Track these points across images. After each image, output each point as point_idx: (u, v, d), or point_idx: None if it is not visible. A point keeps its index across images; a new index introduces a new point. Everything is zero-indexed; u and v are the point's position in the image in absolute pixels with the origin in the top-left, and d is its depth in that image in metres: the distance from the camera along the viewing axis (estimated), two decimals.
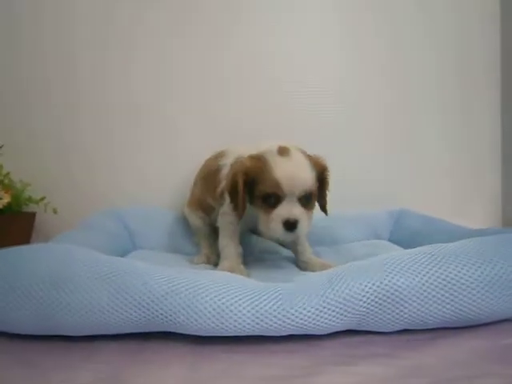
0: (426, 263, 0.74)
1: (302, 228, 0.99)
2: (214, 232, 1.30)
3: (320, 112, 1.58)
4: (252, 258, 1.27)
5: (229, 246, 1.13)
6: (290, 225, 0.98)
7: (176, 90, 1.55)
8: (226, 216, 1.14)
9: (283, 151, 1.02)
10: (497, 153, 1.68)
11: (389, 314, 0.72)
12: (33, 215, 1.41)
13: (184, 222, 1.40)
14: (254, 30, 1.57)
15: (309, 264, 1.15)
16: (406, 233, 1.38)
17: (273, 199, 1.00)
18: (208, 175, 1.28)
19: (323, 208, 1.13)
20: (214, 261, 1.23)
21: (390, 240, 1.44)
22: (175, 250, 1.37)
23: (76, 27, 1.52)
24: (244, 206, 1.03)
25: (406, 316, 0.72)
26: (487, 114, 1.68)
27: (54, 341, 0.72)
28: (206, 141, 1.48)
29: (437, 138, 1.66)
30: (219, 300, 0.69)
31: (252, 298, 0.70)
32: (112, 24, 1.52)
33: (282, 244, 1.39)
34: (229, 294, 0.69)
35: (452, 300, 0.71)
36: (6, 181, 1.33)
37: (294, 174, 0.98)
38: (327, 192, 1.11)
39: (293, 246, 1.21)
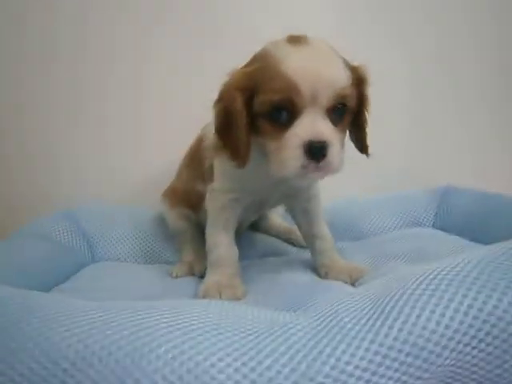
0: None
1: (334, 157, 0.63)
2: (200, 233, 0.96)
3: None
4: (251, 262, 0.95)
5: (219, 246, 0.79)
6: (316, 150, 0.62)
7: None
8: (216, 196, 0.80)
9: (296, 39, 0.66)
10: None
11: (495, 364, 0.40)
12: None
13: (160, 221, 1.06)
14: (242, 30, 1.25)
15: (333, 269, 0.81)
16: (456, 216, 1.04)
17: (285, 113, 0.64)
18: (192, 154, 0.96)
19: (362, 144, 0.76)
20: (200, 270, 0.90)
21: (434, 226, 1.10)
22: (150, 259, 1.03)
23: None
24: (248, 140, 0.67)
25: None
26: None
27: None
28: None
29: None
30: (190, 356, 0.40)
31: (245, 359, 0.40)
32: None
33: (294, 242, 1.07)
34: (207, 348, 0.40)
35: None
36: None
37: (317, 66, 0.62)
38: (367, 117, 0.74)
39: (310, 240, 0.87)
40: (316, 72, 0.61)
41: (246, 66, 0.69)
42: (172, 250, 1.04)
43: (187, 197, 0.96)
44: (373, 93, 0.73)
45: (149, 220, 1.09)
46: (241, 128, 0.66)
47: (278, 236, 1.11)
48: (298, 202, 0.85)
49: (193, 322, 0.44)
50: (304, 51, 0.63)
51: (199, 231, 0.98)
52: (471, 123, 1.35)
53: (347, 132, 0.72)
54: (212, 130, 0.74)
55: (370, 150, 0.76)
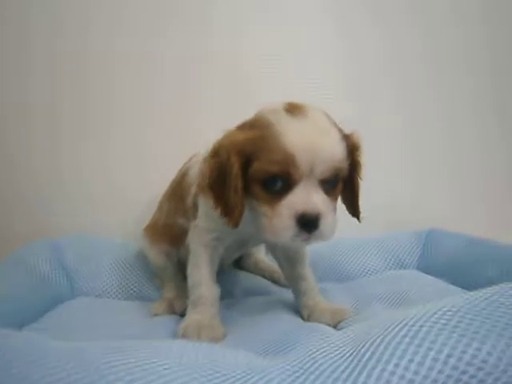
0: None
1: (326, 227, 0.64)
2: (182, 270, 0.94)
3: None
4: (233, 301, 0.94)
5: (200, 285, 0.78)
6: (309, 222, 0.63)
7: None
8: (199, 233, 0.79)
9: (295, 109, 0.67)
10: None
11: None
12: None
13: (142, 256, 1.04)
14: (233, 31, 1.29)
15: (315, 311, 0.81)
16: (441, 258, 1.04)
17: (280, 183, 0.65)
18: (174, 188, 0.95)
19: (353, 208, 0.77)
20: (181, 308, 0.88)
21: (418, 268, 1.10)
22: (130, 295, 1.01)
23: None
24: (242, 201, 0.67)
25: None
26: None
27: None
28: (175, 151, 1.14)
29: (469, 145, 1.38)
30: None
31: None
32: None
33: (277, 281, 1.05)
34: None
35: None
36: None
37: (315, 140, 0.63)
38: (359, 183, 0.75)
39: (293, 281, 0.86)
40: (314, 147, 0.63)
41: (241, 128, 0.70)
42: (153, 287, 1.01)
43: (168, 231, 0.96)
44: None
45: (131, 255, 1.07)
46: (237, 192, 0.66)
47: (261, 274, 1.09)
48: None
49: (167, 366, 0.42)
50: (303, 124, 0.65)
51: (180, 268, 0.96)
52: (457, 169, 1.37)
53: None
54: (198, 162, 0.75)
55: (362, 215, 0.77)
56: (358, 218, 0.77)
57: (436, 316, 0.44)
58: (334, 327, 0.76)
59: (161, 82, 1.27)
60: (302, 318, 0.82)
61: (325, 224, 0.64)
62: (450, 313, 0.44)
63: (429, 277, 1.00)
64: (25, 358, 0.42)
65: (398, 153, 1.34)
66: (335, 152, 0.65)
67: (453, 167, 1.36)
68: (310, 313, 0.81)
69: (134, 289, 1.01)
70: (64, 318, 0.85)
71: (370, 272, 1.07)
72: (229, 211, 0.68)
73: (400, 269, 1.09)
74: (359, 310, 0.82)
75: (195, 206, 0.81)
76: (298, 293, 0.85)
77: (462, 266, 0.96)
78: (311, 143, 0.63)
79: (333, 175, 0.66)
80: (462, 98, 1.36)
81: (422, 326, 0.43)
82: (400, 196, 1.31)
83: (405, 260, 1.11)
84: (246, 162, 0.66)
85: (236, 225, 0.68)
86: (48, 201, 1.25)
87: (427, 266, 1.07)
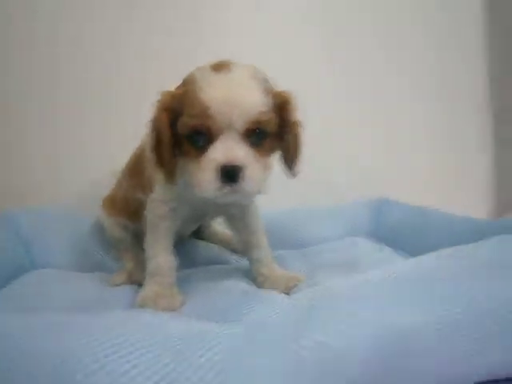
0: (438, 286, 0.51)
1: (250, 180, 0.66)
2: (139, 242, 0.95)
3: None
4: (191, 271, 0.96)
5: (157, 256, 0.80)
6: (229, 173, 0.65)
7: None
8: (156, 205, 0.81)
9: (219, 66, 0.69)
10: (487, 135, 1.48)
11: (392, 370, 0.45)
12: None
13: (101, 227, 1.04)
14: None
15: (269, 278, 0.85)
16: (390, 227, 1.12)
17: (203, 137, 0.67)
18: (134, 163, 0.96)
19: (288, 164, 0.77)
20: (139, 278, 0.90)
21: (370, 236, 1.17)
22: (91, 266, 1.02)
23: None
24: (171, 159, 0.70)
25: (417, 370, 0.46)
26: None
27: None
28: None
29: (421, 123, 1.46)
30: (115, 369, 0.40)
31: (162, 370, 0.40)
32: None
33: (235, 250, 1.08)
34: (132, 359, 0.41)
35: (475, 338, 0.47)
36: None
37: (232, 93, 0.66)
38: (297, 140, 0.75)
39: (248, 250, 0.89)
40: (230, 100, 0.65)
41: (176, 88, 0.72)
42: (110, 259, 1.03)
43: (126, 205, 0.96)
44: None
45: (91, 225, 1.08)
46: (166, 146, 0.69)
47: (219, 244, 1.13)
48: (235, 213, 0.88)
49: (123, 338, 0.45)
50: (223, 79, 0.67)
51: (138, 241, 0.97)
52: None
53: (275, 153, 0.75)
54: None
55: (297, 171, 0.78)
56: (293, 173, 0.78)
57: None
58: (287, 293, 0.80)
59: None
60: (257, 285, 0.85)
61: (248, 176, 0.65)
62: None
63: (377, 245, 1.07)
64: None
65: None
66: (254, 104, 0.66)
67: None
68: (264, 280, 0.85)
69: (94, 260, 1.03)
70: (25, 288, 0.86)
71: (324, 239, 1.12)
72: (162, 166, 0.71)
73: (353, 236, 1.14)
74: (312, 276, 0.86)
75: (151, 180, 0.82)
76: (252, 261, 0.88)
77: (407, 234, 1.03)
78: (228, 96, 0.65)
79: (255, 128, 0.68)
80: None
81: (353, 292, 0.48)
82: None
83: (357, 228, 1.17)
84: (175, 118, 0.68)
85: (171, 180, 0.72)
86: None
87: (378, 233, 1.15)
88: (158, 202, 0.81)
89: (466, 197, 1.43)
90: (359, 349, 0.43)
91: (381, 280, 0.53)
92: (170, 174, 0.71)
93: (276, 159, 0.76)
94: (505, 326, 0.47)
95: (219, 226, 1.14)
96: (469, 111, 1.48)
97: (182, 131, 0.68)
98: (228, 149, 0.65)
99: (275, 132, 0.72)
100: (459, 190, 1.44)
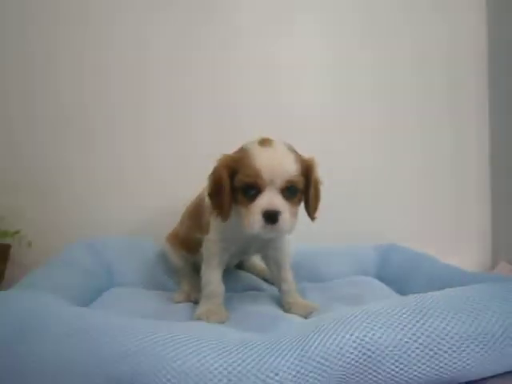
0: (410, 317, 0.71)
1: (285, 221, 0.92)
2: (195, 269, 1.25)
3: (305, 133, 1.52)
4: (234, 294, 1.23)
5: (211, 283, 1.08)
6: (270, 216, 0.91)
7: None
8: (211, 244, 1.09)
9: (265, 142, 0.97)
10: (485, 189, 1.68)
11: (370, 373, 0.68)
12: (7, 248, 1.37)
13: (165, 256, 1.35)
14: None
15: (293, 305, 1.10)
16: (393, 270, 1.35)
17: (253, 190, 0.93)
18: (194, 209, 1.24)
19: (309, 212, 1.03)
20: (195, 297, 1.18)
21: (377, 277, 1.40)
22: (156, 286, 1.32)
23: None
24: (230, 202, 0.96)
25: (387, 376, 0.68)
26: (475, 152, 1.68)
27: None
28: (190, 170, 1.43)
29: (426, 173, 1.67)
30: (192, 360, 0.65)
31: (226, 357, 0.66)
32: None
33: (268, 280, 1.35)
34: (201, 353, 0.66)
35: (434, 358, 0.69)
36: None
37: (274, 161, 0.93)
38: (316, 194, 1.03)
39: (278, 282, 1.16)
40: (273, 166, 0.93)
41: (233, 153, 1.00)
42: (173, 281, 1.32)
43: (187, 241, 1.25)
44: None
45: (156, 253, 1.38)
46: (226, 192, 0.96)
47: (256, 274, 1.40)
48: (269, 253, 1.15)
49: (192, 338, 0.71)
50: (267, 151, 0.95)
51: (194, 268, 1.27)
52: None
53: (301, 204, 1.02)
54: None
55: (317, 217, 1.05)
56: (312, 220, 1.05)
57: (356, 316, 0.72)
58: (305, 318, 1.05)
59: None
60: (284, 310, 1.10)
61: (283, 219, 0.92)
62: (364, 314, 0.73)
63: (381, 284, 1.30)
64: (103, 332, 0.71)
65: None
66: (289, 169, 0.94)
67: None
68: (289, 307, 1.10)
69: (159, 281, 1.33)
70: (107, 303, 1.13)
71: (339, 275, 1.38)
72: (220, 208, 0.98)
73: (362, 275, 1.39)
74: (325, 306, 1.10)
75: (208, 224, 1.10)
76: (281, 291, 1.15)
77: (403, 277, 1.26)
78: (272, 164, 0.93)
79: (289, 186, 0.95)
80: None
81: (347, 320, 0.72)
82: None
83: (367, 268, 1.42)
84: (232, 174, 0.96)
85: (226, 218, 0.97)
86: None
87: (382, 274, 1.38)
88: (212, 242, 1.09)
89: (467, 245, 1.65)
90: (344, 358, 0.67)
91: (375, 310, 0.74)
92: (226, 215, 0.97)
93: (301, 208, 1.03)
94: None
95: (257, 260, 1.41)
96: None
97: (238, 184, 0.95)
98: (270, 199, 0.92)
99: (302, 188, 0.99)
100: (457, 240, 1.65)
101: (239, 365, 0.65)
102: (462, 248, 1.60)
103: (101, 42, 1.53)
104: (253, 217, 0.92)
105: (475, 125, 1.67)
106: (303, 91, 1.60)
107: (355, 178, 1.61)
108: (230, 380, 0.63)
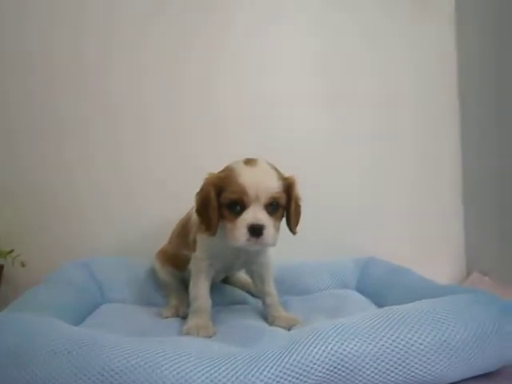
0: (381, 329, 0.77)
1: (268, 235, 0.98)
2: (183, 285, 1.31)
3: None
4: (221, 308, 1.28)
5: (199, 298, 1.13)
6: (255, 230, 0.97)
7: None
8: (198, 261, 1.15)
9: (249, 161, 1.04)
10: (457, 203, 1.76)
11: (346, 380, 0.74)
12: (0, 268, 1.40)
13: (153, 272, 1.41)
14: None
15: (276, 318, 1.16)
16: (371, 282, 1.41)
17: (238, 206, 1.00)
18: (182, 227, 1.30)
19: (291, 227, 1.10)
20: (184, 312, 1.23)
21: (357, 289, 1.47)
22: (145, 301, 1.37)
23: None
24: (217, 218, 1.02)
25: (363, 382, 0.74)
26: (447, 163, 1.76)
27: None
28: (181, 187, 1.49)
29: (402, 187, 1.75)
30: (177, 373, 0.70)
31: (210, 368, 0.72)
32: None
33: (252, 294, 1.41)
34: (188, 366, 0.71)
35: (404, 367, 0.75)
36: None
37: (259, 180, 0.99)
38: (296, 210, 1.10)
39: (262, 296, 1.21)
40: (258, 183, 0.99)
41: (219, 172, 1.07)
42: (162, 296, 1.38)
43: (175, 258, 1.31)
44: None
45: (145, 271, 1.43)
46: (213, 209, 1.02)
47: (241, 288, 1.46)
48: (254, 268, 1.21)
49: (182, 350, 0.77)
50: (252, 170, 1.02)
51: (182, 283, 1.33)
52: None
53: (283, 219, 1.09)
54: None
55: (297, 231, 1.12)
56: (293, 233, 1.12)
57: (337, 327, 0.79)
58: (288, 330, 1.10)
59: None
60: (267, 323, 1.16)
61: (267, 233, 0.98)
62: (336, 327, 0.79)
63: (361, 296, 1.37)
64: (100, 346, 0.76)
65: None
66: (272, 187, 1.01)
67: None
68: (273, 320, 1.16)
69: (148, 297, 1.38)
70: (99, 319, 1.18)
71: (320, 289, 1.44)
72: (208, 224, 1.04)
73: (343, 288, 1.46)
74: (307, 318, 1.15)
75: (194, 242, 1.16)
76: (265, 305, 1.20)
77: (381, 289, 1.32)
78: (256, 181, 0.99)
79: (272, 202, 1.02)
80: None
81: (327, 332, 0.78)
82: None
83: (347, 281, 1.48)
84: (219, 192, 1.02)
85: (214, 233, 1.03)
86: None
87: (362, 287, 1.45)
88: (199, 260, 1.15)
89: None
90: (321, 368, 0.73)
91: (350, 323, 0.79)
92: (214, 229, 1.03)
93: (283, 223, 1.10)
94: None
95: (242, 274, 1.46)
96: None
97: (224, 201, 1.01)
98: (255, 214, 0.99)
99: (284, 204, 1.06)
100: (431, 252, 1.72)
101: (221, 375, 0.71)
102: (435, 259, 1.67)
103: (102, 44, 1.59)
104: (239, 231, 0.98)
105: (447, 137, 1.75)
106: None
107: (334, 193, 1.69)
108: None
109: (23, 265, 1.39)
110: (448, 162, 1.74)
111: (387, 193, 1.72)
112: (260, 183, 0.99)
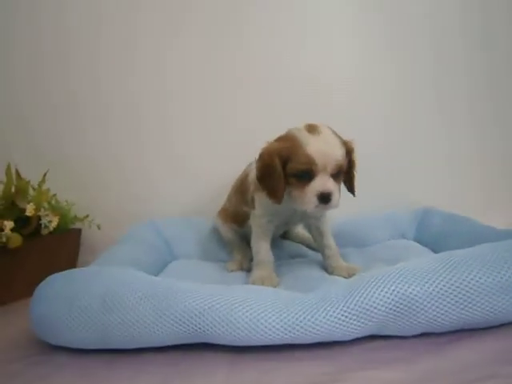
0: (441, 271, 0.80)
1: (335, 200, 1.03)
2: (245, 240, 1.39)
3: (334, 111, 1.57)
4: (282, 262, 1.34)
5: (261, 252, 1.20)
6: (325, 197, 1.02)
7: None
8: (257, 218, 1.20)
9: (312, 129, 1.05)
10: None
11: (407, 320, 0.79)
12: (79, 232, 1.53)
13: (217, 231, 1.49)
14: (261, 29, 1.62)
15: (336, 268, 1.20)
16: (430, 233, 1.41)
17: (307, 175, 1.03)
18: (239, 185, 1.35)
19: (351, 189, 1.16)
20: (247, 266, 1.31)
21: (415, 239, 1.48)
22: (210, 257, 1.45)
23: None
24: (283, 187, 1.05)
25: (423, 321, 0.78)
26: None
27: (112, 354, 0.83)
28: (233, 150, 1.56)
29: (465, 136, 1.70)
30: (251, 314, 0.78)
31: (280, 311, 0.78)
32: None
33: (311, 247, 1.46)
34: (259, 308, 0.79)
35: (466, 306, 0.77)
36: (53, 202, 1.45)
37: (326, 149, 1.02)
38: (355, 173, 1.14)
39: (321, 248, 1.25)
40: (325, 153, 1.02)
41: (277, 140, 1.09)
42: (226, 252, 1.46)
43: (235, 215, 1.38)
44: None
45: (209, 229, 1.52)
46: (280, 180, 1.06)
47: (300, 242, 1.52)
48: (312, 222, 1.25)
49: (252, 295, 0.83)
50: (318, 139, 1.03)
51: (244, 239, 1.41)
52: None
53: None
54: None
55: (356, 192, 1.16)
56: (353, 194, 1.17)
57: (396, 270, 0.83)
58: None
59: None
60: (328, 273, 1.21)
61: (334, 199, 1.03)
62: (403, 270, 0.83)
63: (420, 246, 1.39)
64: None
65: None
66: (338, 156, 1.04)
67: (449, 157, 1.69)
68: (332, 270, 1.20)
69: (212, 253, 1.47)
70: (172, 274, 1.26)
71: (379, 240, 1.47)
72: (274, 193, 1.08)
73: (401, 239, 1.48)
74: (367, 267, 1.19)
75: (253, 200, 1.22)
76: (324, 256, 1.25)
77: (440, 238, 1.33)
78: (324, 151, 1.02)
79: (337, 170, 1.05)
80: (458, 89, 1.67)
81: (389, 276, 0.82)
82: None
83: (405, 232, 1.50)
84: (284, 161, 1.05)
85: (280, 202, 1.06)
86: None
87: (420, 237, 1.46)
88: (258, 216, 1.20)
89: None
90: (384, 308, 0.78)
91: (409, 267, 0.82)
92: (280, 199, 1.06)
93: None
94: None
95: (300, 229, 1.51)
96: None
97: (291, 171, 1.04)
98: (325, 182, 1.03)
99: (345, 169, 1.10)
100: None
101: (292, 317, 0.78)
102: (494, 208, 1.63)
103: (113, 43, 1.64)
104: (308, 198, 1.03)
105: None
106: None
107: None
108: (284, 329, 0.77)
109: (99, 227, 1.50)
110: None
111: (432, 147, 1.69)
112: (327, 153, 1.02)
